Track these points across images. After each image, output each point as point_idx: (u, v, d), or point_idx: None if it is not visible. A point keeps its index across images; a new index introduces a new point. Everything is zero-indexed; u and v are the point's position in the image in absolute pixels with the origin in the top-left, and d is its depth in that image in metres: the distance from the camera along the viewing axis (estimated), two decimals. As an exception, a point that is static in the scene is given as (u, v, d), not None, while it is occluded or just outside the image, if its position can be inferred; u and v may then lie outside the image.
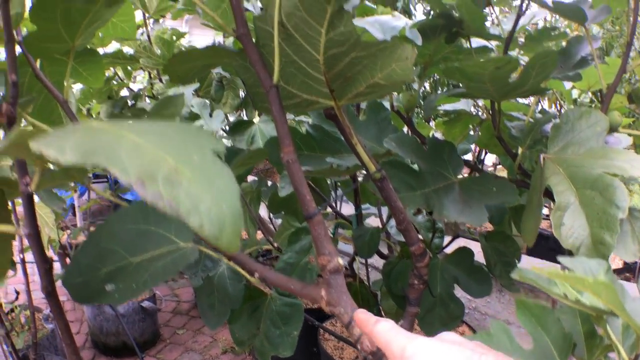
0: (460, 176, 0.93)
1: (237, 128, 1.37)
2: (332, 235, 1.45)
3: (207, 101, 1.38)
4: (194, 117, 1.33)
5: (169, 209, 0.25)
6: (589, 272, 0.55)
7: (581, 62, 1.07)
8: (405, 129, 1.18)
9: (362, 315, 0.58)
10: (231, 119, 1.72)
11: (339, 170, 0.90)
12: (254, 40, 0.63)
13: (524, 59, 1.32)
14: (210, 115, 1.36)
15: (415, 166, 0.90)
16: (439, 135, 1.66)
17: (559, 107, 2.18)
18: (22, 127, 0.51)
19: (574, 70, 1.06)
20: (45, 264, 0.54)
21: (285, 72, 0.64)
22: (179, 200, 0.26)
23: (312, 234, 0.59)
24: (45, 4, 0.73)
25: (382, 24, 1.11)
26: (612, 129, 1.00)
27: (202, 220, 0.26)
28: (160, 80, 1.59)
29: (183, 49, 2.09)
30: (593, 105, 2.22)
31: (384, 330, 0.53)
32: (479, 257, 1.26)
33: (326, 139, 0.95)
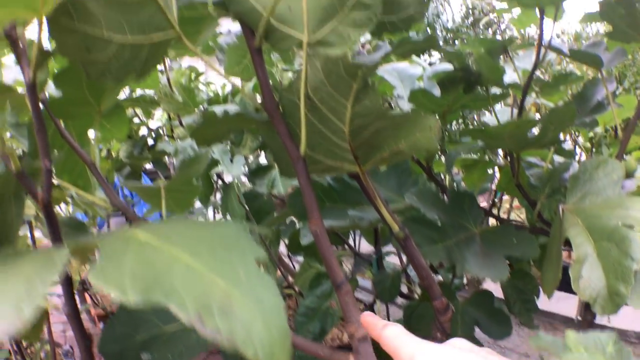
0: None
1: (258, 173, 1.39)
2: (351, 276, 1.46)
3: (228, 147, 1.40)
4: (214, 163, 1.36)
5: (227, 342, 0.27)
6: (599, 344, 0.57)
7: (597, 107, 1.09)
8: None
9: (370, 319, 0.58)
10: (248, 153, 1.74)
11: (361, 224, 0.92)
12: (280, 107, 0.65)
13: (541, 100, 1.34)
14: (231, 161, 1.38)
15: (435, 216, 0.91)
16: (455, 170, 1.67)
17: (574, 137, 2.19)
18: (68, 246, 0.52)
19: (590, 115, 1.07)
20: (85, 341, 0.56)
21: (311, 140, 0.65)
22: (235, 332, 0.27)
23: (340, 302, 0.61)
24: (70, 71, 0.75)
25: (399, 72, 1.13)
26: (628, 175, 1.02)
27: (256, 349, 0.27)
28: (181, 124, 1.61)
29: (200, 85, 2.12)
30: (607, 135, 2.22)
31: (392, 336, 0.52)
32: (497, 292, 1.27)
33: (348, 190, 0.97)
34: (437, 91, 1.01)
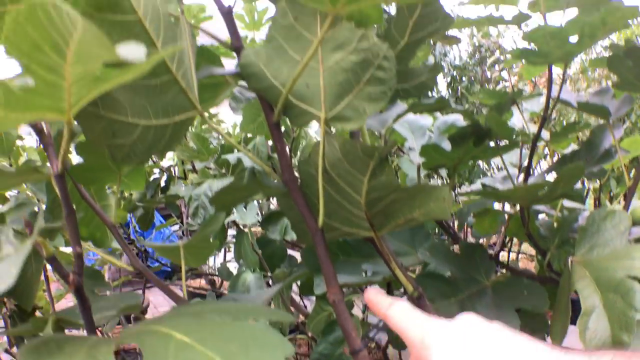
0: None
1: (270, 219, 1.41)
2: (363, 319, 1.47)
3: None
4: (227, 211, 1.37)
5: None
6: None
7: (605, 155, 1.10)
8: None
9: (374, 297, 0.56)
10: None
11: (375, 280, 0.93)
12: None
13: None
14: (245, 208, 1.40)
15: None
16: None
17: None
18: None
19: (598, 165, 1.09)
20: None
21: (328, 209, 0.67)
22: None
23: (357, 367, 0.62)
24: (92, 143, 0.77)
25: (410, 124, 1.15)
26: (635, 223, 1.03)
27: None
28: (194, 169, 1.64)
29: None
30: (615, 170, 2.24)
31: (399, 315, 0.52)
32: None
33: (362, 244, 0.98)
34: (448, 147, 1.02)
